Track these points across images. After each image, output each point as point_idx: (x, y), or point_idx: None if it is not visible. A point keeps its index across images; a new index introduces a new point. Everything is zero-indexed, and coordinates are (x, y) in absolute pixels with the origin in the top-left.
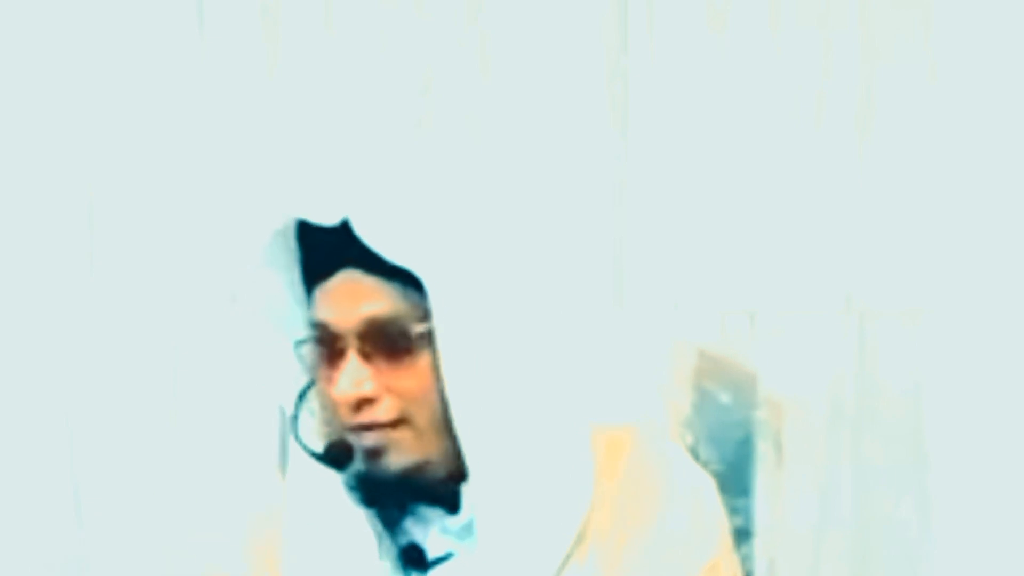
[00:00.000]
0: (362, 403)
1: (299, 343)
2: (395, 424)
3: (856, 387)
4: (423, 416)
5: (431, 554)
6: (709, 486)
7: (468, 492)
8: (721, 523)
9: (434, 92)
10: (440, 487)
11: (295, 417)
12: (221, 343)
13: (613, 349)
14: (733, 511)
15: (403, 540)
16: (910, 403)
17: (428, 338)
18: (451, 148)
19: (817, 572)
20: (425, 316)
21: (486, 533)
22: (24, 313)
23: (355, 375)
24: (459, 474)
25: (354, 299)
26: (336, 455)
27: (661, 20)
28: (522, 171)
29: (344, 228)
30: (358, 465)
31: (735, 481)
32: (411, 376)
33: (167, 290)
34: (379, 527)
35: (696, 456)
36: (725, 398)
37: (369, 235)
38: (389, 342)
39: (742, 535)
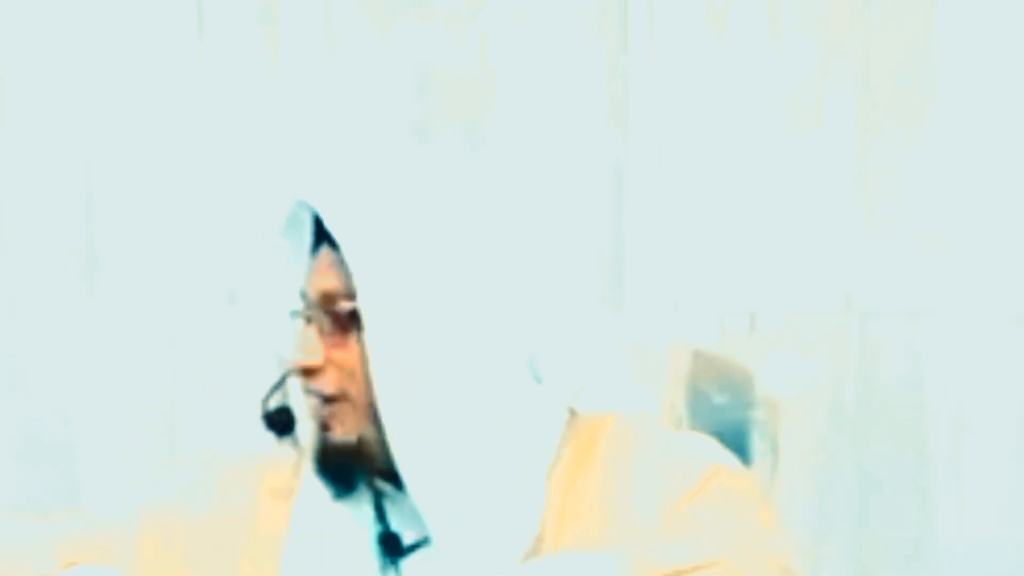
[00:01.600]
0: (310, 372)
1: (293, 313)
2: (336, 398)
3: (856, 387)
4: (357, 393)
5: (407, 540)
6: (707, 465)
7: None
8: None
9: (434, 92)
10: (385, 464)
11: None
12: (221, 343)
13: (612, 348)
14: None
15: (379, 528)
16: (910, 403)
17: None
18: (450, 147)
19: (817, 572)
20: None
21: (438, 523)
22: (24, 314)
23: (306, 344)
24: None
25: (320, 273)
26: (276, 420)
27: (661, 20)
28: (522, 170)
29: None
30: (315, 436)
31: None
32: (348, 352)
33: (167, 290)
34: (354, 513)
35: None
36: (721, 398)
37: (326, 213)
38: (333, 316)
39: None
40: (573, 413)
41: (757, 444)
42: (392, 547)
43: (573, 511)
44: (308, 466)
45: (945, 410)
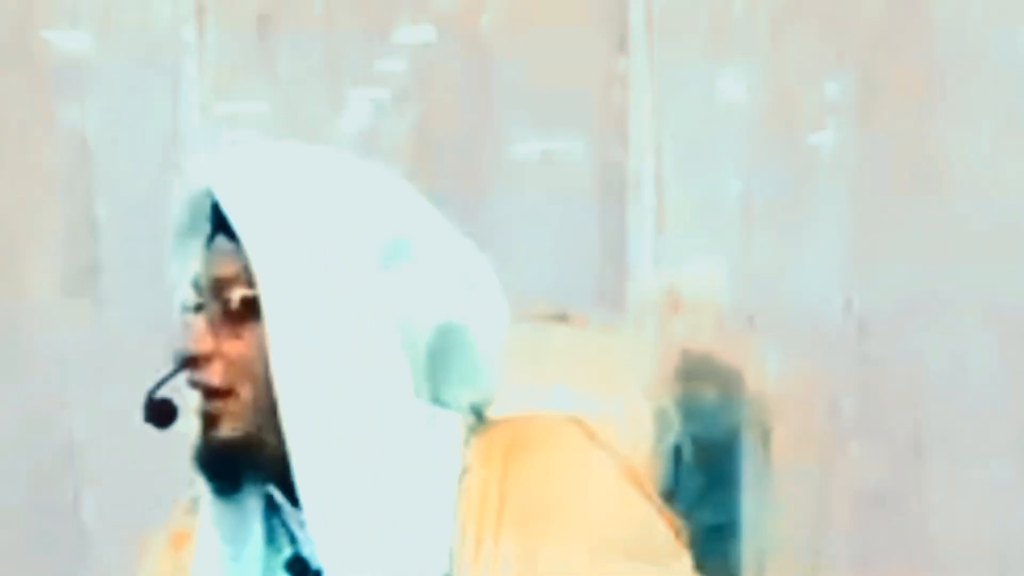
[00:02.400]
0: (196, 362)
1: (184, 305)
2: (223, 392)
3: (856, 387)
4: (249, 388)
5: (315, 563)
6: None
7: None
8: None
9: (434, 92)
10: (275, 467)
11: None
12: None
13: (611, 351)
14: (721, 508)
15: (287, 552)
16: (910, 403)
17: (256, 306)
18: (451, 146)
19: (816, 572)
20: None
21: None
22: (24, 314)
23: (195, 333)
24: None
25: (214, 261)
26: (156, 411)
27: (661, 20)
28: (521, 170)
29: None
30: (198, 431)
31: (723, 479)
32: (241, 344)
33: (167, 291)
34: (262, 537)
35: (680, 455)
36: (710, 395)
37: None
38: (226, 304)
39: (730, 532)
40: (481, 420)
41: (748, 441)
42: (301, 573)
43: (489, 515)
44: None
45: (945, 410)
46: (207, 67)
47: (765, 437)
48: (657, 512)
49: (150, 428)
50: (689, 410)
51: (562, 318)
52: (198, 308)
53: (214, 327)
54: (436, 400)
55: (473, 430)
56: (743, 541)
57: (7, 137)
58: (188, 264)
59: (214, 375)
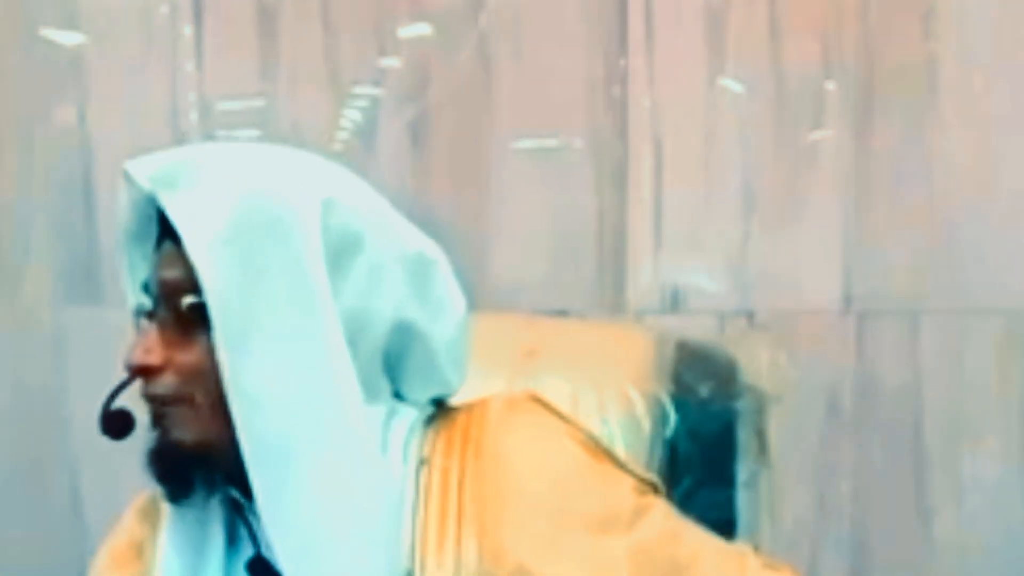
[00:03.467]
0: (148, 372)
1: (137, 311)
2: (174, 400)
3: (856, 387)
4: (202, 396)
5: (277, 563)
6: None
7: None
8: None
9: (434, 92)
10: (232, 469)
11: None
12: None
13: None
14: (716, 504)
15: (249, 552)
16: (909, 403)
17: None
18: (450, 146)
19: (816, 572)
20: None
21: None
22: (24, 315)
23: (145, 343)
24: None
25: (163, 266)
26: (112, 424)
27: (661, 20)
28: (521, 170)
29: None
30: (150, 439)
31: (718, 473)
32: (192, 353)
33: None
34: (220, 536)
35: (675, 449)
36: (705, 389)
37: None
38: (176, 312)
39: (726, 527)
40: (440, 407)
41: (743, 434)
42: (262, 572)
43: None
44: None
45: (944, 410)
46: (206, 65)
47: (760, 430)
48: (617, 474)
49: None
50: (683, 403)
51: (562, 317)
52: (150, 314)
53: (165, 335)
54: (397, 395)
55: (433, 420)
56: (738, 537)
57: (7, 136)
58: (138, 269)
59: (167, 386)
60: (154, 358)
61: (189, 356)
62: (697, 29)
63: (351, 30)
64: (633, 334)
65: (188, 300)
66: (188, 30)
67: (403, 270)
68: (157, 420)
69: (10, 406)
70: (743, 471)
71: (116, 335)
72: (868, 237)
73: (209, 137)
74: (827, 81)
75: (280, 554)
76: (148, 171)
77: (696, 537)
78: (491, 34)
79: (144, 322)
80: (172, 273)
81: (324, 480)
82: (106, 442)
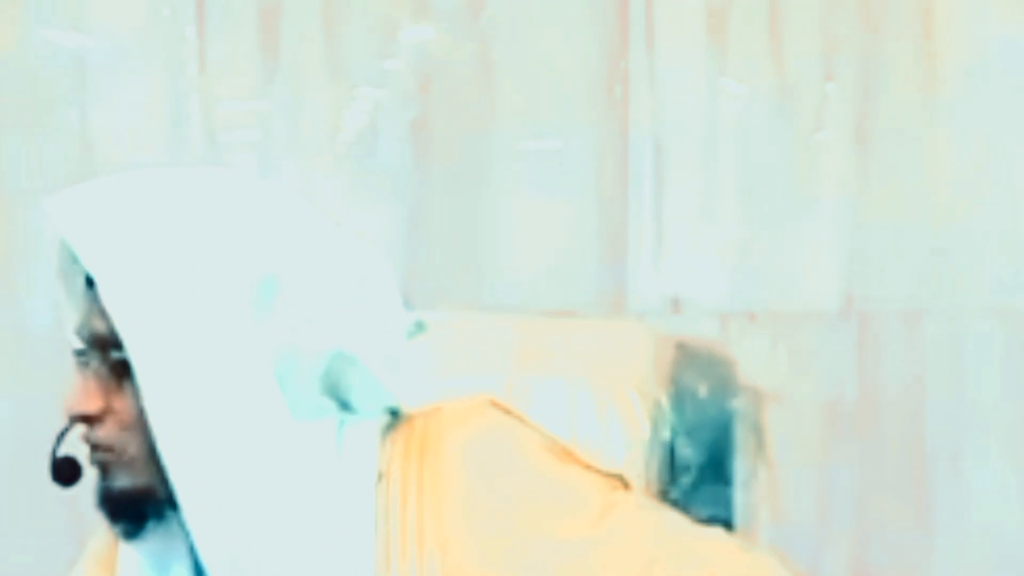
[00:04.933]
0: (88, 420)
1: (78, 353)
2: (112, 448)
3: (856, 387)
4: (136, 444)
5: None
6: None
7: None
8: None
9: (434, 92)
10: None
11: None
12: None
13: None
14: (715, 503)
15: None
16: (910, 403)
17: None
18: (451, 146)
19: (817, 572)
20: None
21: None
22: (24, 316)
23: (83, 391)
24: None
25: (90, 314)
26: (62, 471)
27: (661, 20)
28: (521, 170)
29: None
30: (97, 481)
31: (716, 472)
32: (125, 401)
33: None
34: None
35: (674, 450)
36: (703, 389)
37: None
38: (107, 362)
39: (725, 526)
40: (396, 415)
41: (741, 433)
42: None
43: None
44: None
45: (945, 410)
46: (208, 67)
47: (758, 429)
48: (580, 473)
49: None
50: (682, 404)
51: (562, 317)
52: (85, 360)
53: (101, 381)
54: (346, 408)
55: (390, 429)
56: (737, 535)
57: (7, 136)
58: (71, 309)
59: (106, 433)
60: (92, 406)
61: (124, 405)
62: (697, 29)
63: (352, 31)
64: (632, 335)
65: (115, 355)
66: (190, 32)
67: (335, 297)
68: (100, 465)
69: (9, 413)
70: (741, 470)
71: None
72: (869, 237)
73: (210, 137)
74: (827, 81)
75: None
76: (60, 210)
77: (670, 526)
78: (492, 35)
79: (81, 366)
80: (99, 324)
81: (267, 514)
82: None
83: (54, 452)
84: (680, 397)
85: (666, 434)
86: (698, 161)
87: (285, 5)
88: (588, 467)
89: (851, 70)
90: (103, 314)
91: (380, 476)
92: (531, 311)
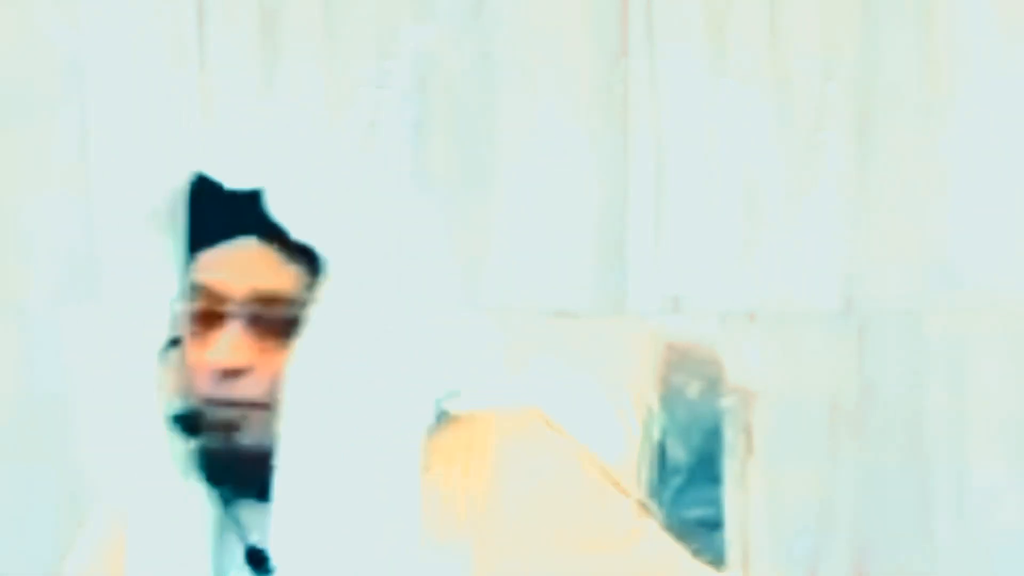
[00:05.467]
0: (228, 374)
1: (174, 301)
2: (257, 403)
3: (856, 387)
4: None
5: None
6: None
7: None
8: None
9: (434, 92)
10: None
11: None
12: None
13: (611, 348)
14: (704, 502)
15: (246, 542)
16: (910, 403)
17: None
18: (451, 147)
19: (816, 572)
20: (309, 300)
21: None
22: (24, 315)
23: (233, 343)
24: None
25: (247, 268)
26: (190, 423)
27: (661, 20)
28: (522, 170)
29: (252, 196)
30: (208, 439)
31: (705, 472)
32: (278, 357)
33: (167, 291)
34: (224, 527)
35: (664, 450)
36: (693, 390)
37: (281, 210)
38: (273, 318)
39: (713, 525)
40: (445, 415)
41: (729, 433)
42: (259, 563)
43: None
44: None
45: (945, 410)
46: (208, 66)
47: (747, 429)
48: (617, 493)
49: (150, 430)
50: (671, 404)
51: (562, 318)
52: (216, 314)
53: (255, 336)
54: None
55: (433, 429)
56: (727, 536)
57: (7, 137)
58: (201, 263)
59: (253, 387)
60: (241, 360)
61: (277, 360)
62: (698, 29)
63: (352, 31)
64: (623, 335)
65: (287, 310)
66: (190, 31)
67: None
68: (231, 424)
69: (11, 408)
70: (730, 469)
71: (116, 335)
72: (869, 237)
73: (210, 137)
74: (828, 81)
75: (285, 551)
76: (248, 164)
77: (685, 560)
78: (492, 34)
79: (183, 309)
80: (271, 278)
81: (340, 485)
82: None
83: (179, 408)
84: (670, 398)
85: (656, 434)
86: (698, 161)
87: (285, 5)
88: (621, 487)
89: (851, 70)
90: (276, 270)
91: (425, 469)
92: (530, 311)
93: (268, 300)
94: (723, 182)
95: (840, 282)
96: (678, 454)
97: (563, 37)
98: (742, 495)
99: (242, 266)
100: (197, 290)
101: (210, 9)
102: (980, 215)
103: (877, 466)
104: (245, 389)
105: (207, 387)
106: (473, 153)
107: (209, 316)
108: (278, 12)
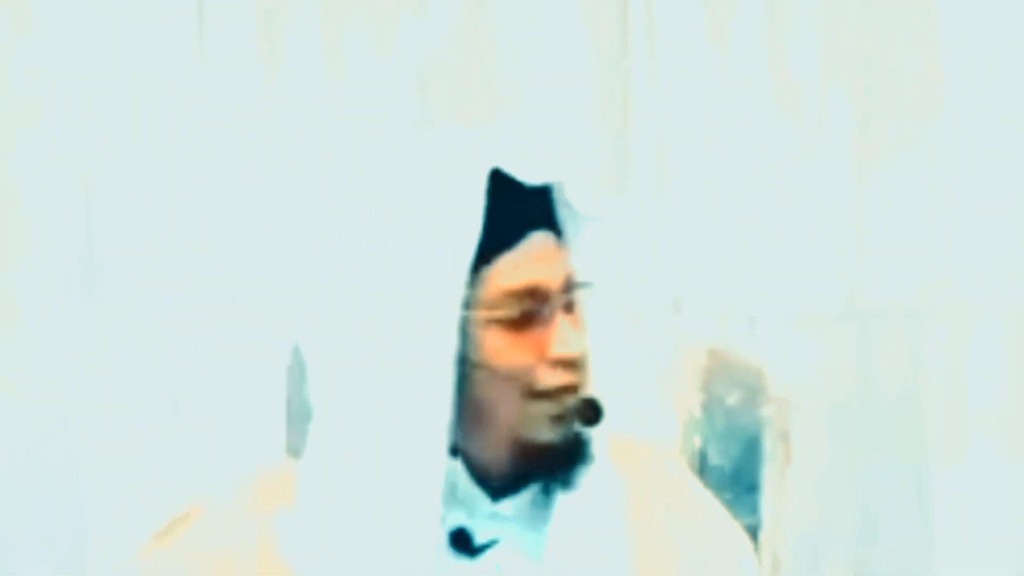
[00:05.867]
0: (567, 365)
1: (466, 307)
2: (578, 388)
3: (856, 387)
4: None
5: (478, 539)
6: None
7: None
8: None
9: (434, 92)
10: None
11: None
12: (222, 343)
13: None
14: (743, 509)
15: (449, 523)
16: (910, 404)
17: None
18: (451, 148)
19: (817, 572)
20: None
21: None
22: (24, 315)
23: (571, 334)
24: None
25: (554, 260)
26: (588, 413)
27: (661, 20)
28: (522, 170)
29: (542, 190)
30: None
31: (743, 479)
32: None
33: (167, 290)
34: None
35: (705, 457)
36: (733, 398)
37: (577, 198)
38: (573, 302)
39: (751, 532)
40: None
41: (768, 443)
42: (463, 545)
43: None
44: None
45: (945, 410)
46: (208, 66)
47: (785, 437)
48: (737, 530)
49: (151, 430)
50: (712, 412)
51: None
52: (538, 314)
53: (581, 324)
54: None
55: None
56: (762, 541)
57: (7, 138)
58: (500, 266)
59: (583, 374)
60: (578, 347)
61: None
62: (698, 28)
63: (352, 31)
64: (663, 342)
65: (576, 295)
66: (190, 31)
67: None
68: (559, 414)
69: (12, 408)
70: (768, 477)
71: (115, 335)
72: (869, 237)
73: (211, 136)
74: (828, 81)
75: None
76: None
77: None
78: (492, 35)
79: (554, 315)
80: (563, 265)
81: None
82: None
83: (584, 398)
84: (711, 405)
85: (697, 442)
86: (698, 161)
87: (285, 5)
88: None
89: (852, 70)
90: (563, 257)
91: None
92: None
93: (572, 287)
94: (723, 182)
95: (840, 282)
96: (718, 463)
97: (563, 36)
98: (778, 503)
99: (551, 258)
100: (517, 293)
101: (210, 8)
102: (980, 215)
103: (877, 466)
104: (578, 377)
105: (553, 379)
106: (472, 152)
107: (531, 315)
108: (277, 12)
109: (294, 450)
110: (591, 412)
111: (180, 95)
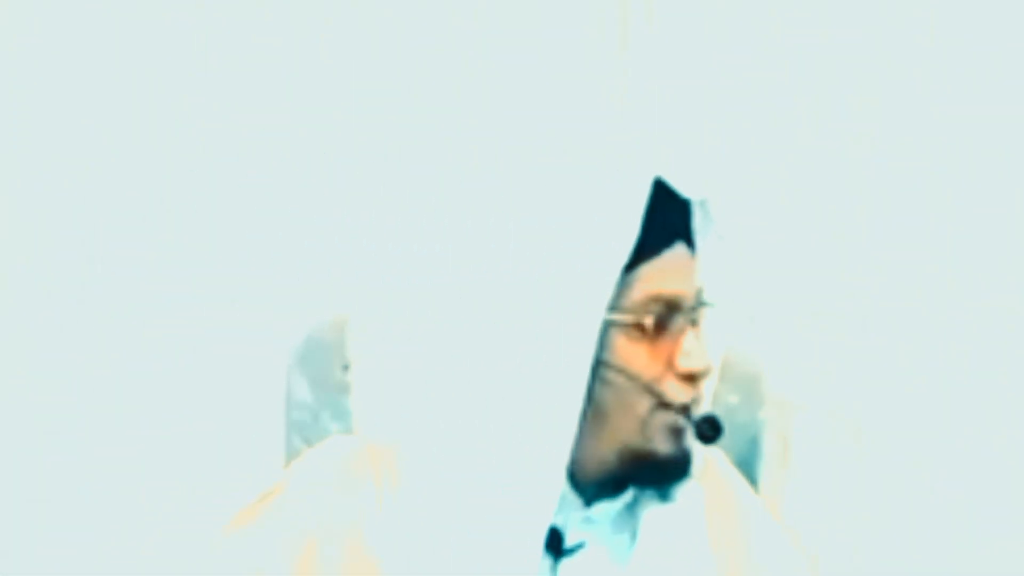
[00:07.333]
0: (692, 379)
1: (611, 323)
2: (699, 403)
3: (855, 387)
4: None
5: (568, 542)
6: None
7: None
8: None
9: (433, 92)
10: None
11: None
12: (223, 343)
13: None
14: None
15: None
16: (910, 404)
17: None
18: (450, 148)
19: (816, 572)
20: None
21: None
22: (24, 314)
23: (697, 348)
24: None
25: (689, 272)
26: (706, 430)
27: (661, 19)
28: (521, 170)
29: (685, 203)
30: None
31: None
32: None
33: (167, 290)
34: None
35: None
36: (733, 398)
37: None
38: (699, 318)
39: None
40: None
41: (769, 442)
42: (554, 545)
43: None
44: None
45: (945, 410)
46: (211, 65)
47: (785, 438)
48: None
49: (151, 430)
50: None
51: None
52: (668, 325)
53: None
54: None
55: None
56: None
57: (7, 137)
58: (645, 273)
59: (703, 391)
60: (706, 360)
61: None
62: (698, 24)
63: (352, 31)
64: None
65: (705, 308)
66: (191, 29)
67: None
68: (676, 428)
69: (12, 408)
70: (768, 477)
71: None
72: (868, 238)
73: (211, 136)
74: (828, 80)
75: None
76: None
77: None
78: (492, 31)
79: (686, 328)
80: (696, 281)
81: None
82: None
83: (702, 416)
84: (712, 406)
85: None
86: (698, 161)
87: (285, 5)
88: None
89: (852, 67)
90: (693, 273)
91: None
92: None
93: (702, 302)
94: (723, 182)
95: (839, 283)
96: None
97: (563, 33)
98: (778, 503)
99: (687, 270)
100: (659, 300)
101: (210, 9)
102: (980, 215)
103: (878, 466)
104: (701, 392)
105: (681, 394)
106: (472, 150)
107: (661, 325)
108: (278, 12)
109: (294, 450)
110: (712, 430)
111: (181, 93)
